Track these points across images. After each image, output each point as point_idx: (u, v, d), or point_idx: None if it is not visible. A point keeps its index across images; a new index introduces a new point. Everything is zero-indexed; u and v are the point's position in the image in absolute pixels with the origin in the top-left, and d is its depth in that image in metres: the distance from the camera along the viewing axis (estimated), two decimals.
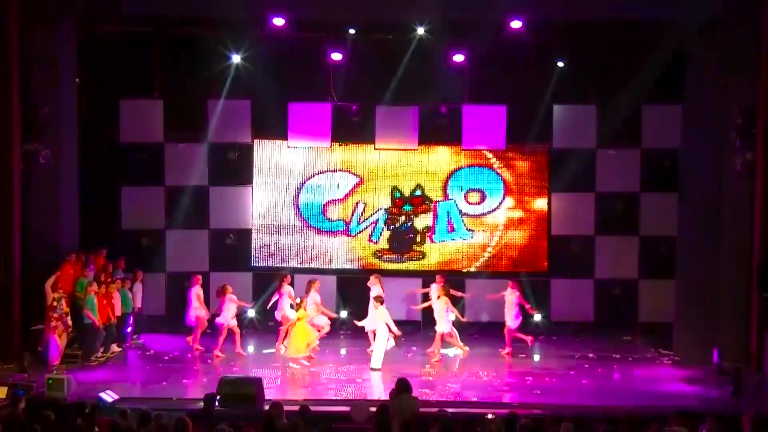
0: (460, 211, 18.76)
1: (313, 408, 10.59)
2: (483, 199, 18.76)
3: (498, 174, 18.64)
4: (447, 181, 18.78)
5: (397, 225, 18.76)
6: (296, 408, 10.48)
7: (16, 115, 15.30)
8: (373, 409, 10.29)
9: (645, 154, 18.47)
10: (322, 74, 17.99)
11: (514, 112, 18.05)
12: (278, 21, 16.54)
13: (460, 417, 10.65)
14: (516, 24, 16.45)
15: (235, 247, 18.97)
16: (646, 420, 10.13)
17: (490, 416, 10.68)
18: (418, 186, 18.74)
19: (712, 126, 15.78)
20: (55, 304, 14.58)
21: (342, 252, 18.89)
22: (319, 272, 18.45)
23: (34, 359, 14.52)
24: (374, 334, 15.47)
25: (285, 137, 18.52)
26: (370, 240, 18.73)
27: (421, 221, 18.81)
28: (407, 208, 18.63)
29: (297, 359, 15.24)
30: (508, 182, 18.63)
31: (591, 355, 16.48)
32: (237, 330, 16.19)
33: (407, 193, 18.74)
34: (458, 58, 17.55)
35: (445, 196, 18.76)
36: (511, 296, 16.40)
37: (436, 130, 18.60)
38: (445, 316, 15.80)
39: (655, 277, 18.23)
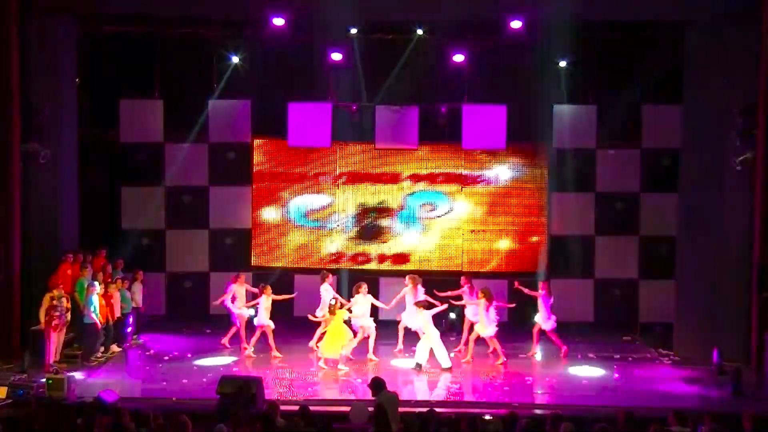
0: (417, 217, 19.05)
1: (313, 408, 10.61)
2: (434, 208, 19.02)
3: (444, 194, 18.98)
4: (404, 198, 19.05)
5: (365, 223, 19.09)
6: (296, 408, 10.51)
7: (16, 115, 15.30)
8: (371, 409, 10.31)
9: (645, 154, 18.48)
10: (322, 74, 17.99)
11: (514, 112, 18.05)
12: (278, 21, 16.55)
13: (460, 417, 10.62)
14: (516, 24, 16.46)
15: (235, 247, 18.99)
16: (645, 420, 10.12)
17: (488, 417, 10.67)
18: (381, 201, 19.06)
19: (712, 126, 15.77)
20: (56, 303, 14.57)
21: (322, 242, 19.11)
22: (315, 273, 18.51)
23: (34, 359, 14.51)
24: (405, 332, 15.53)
25: (285, 137, 18.54)
26: (343, 231, 19.10)
27: (385, 222, 19.06)
28: (372, 213, 19.10)
29: (328, 360, 15.11)
30: (451, 198, 18.98)
31: (591, 355, 16.47)
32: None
33: (372, 204, 19.08)
34: (458, 58, 17.56)
35: (402, 208, 19.07)
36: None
37: (436, 130, 18.62)
38: (485, 319, 15.54)
39: (655, 277, 18.24)
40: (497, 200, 19.00)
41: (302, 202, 19.01)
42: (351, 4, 16.06)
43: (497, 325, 15.51)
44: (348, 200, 19.02)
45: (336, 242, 19.09)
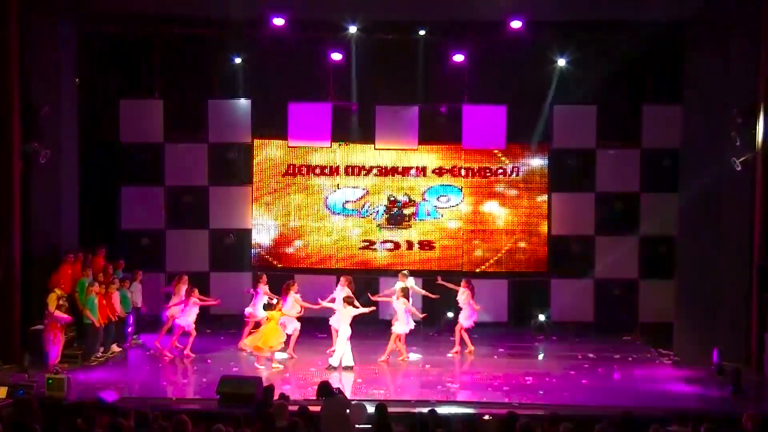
0: (435, 207, 19.02)
1: (312, 408, 10.62)
2: (448, 200, 19.01)
3: (456, 187, 18.98)
4: (425, 192, 19.02)
5: (392, 212, 19.06)
6: (296, 408, 10.51)
7: (16, 115, 15.29)
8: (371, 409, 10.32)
9: (645, 154, 18.48)
10: (322, 74, 18.00)
11: (514, 112, 18.05)
12: (278, 21, 16.56)
13: (460, 417, 10.63)
14: (516, 24, 16.47)
15: (235, 247, 19.00)
16: (645, 420, 10.13)
17: (487, 417, 10.68)
18: (406, 194, 19.02)
19: (712, 126, 15.77)
20: (61, 302, 14.57)
21: (356, 229, 19.14)
22: (318, 273, 18.52)
23: (34, 359, 14.51)
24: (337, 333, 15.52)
25: (285, 137, 18.55)
26: (374, 219, 19.12)
27: (408, 210, 19.03)
28: (399, 203, 19.10)
29: (258, 355, 15.15)
30: (464, 191, 19.00)
31: (591, 355, 16.47)
32: (194, 332, 15.92)
33: (399, 197, 19.07)
34: (458, 58, 17.57)
35: (423, 199, 19.06)
36: (462, 295, 16.33)
37: (436, 130, 18.63)
38: (404, 317, 15.65)
39: (655, 277, 18.25)
40: (497, 200, 18.99)
41: (340, 194, 19.09)
42: (351, 4, 16.07)
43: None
44: (379, 191, 19.09)
45: (368, 230, 19.16)
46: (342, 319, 15.28)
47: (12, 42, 15.14)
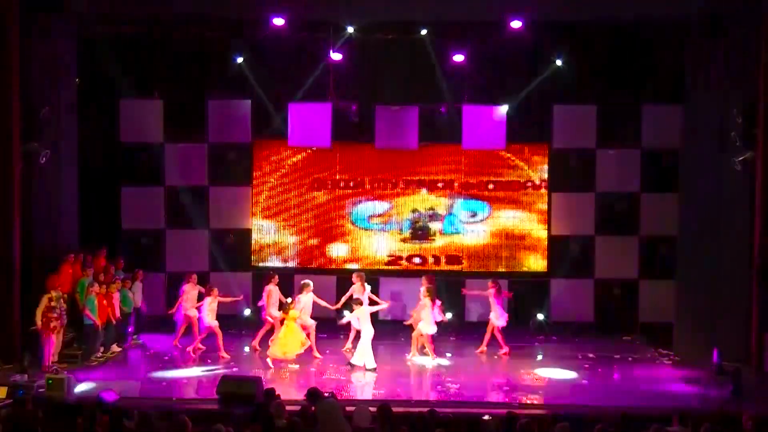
0: (460, 220, 19.17)
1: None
2: (474, 215, 19.17)
3: (484, 201, 19.16)
4: (451, 206, 19.26)
5: (417, 225, 19.30)
6: (296, 408, 10.51)
7: (16, 115, 15.29)
8: (373, 409, 10.31)
9: (645, 154, 18.48)
10: (322, 74, 17.98)
11: (514, 112, 18.05)
12: (278, 21, 16.55)
13: (460, 417, 10.63)
14: (516, 24, 16.47)
15: (235, 247, 19.00)
16: (645, 420, 10.13)
17: (486, 417, 10.67)
18: (431, 208, 19.25)
19: (712, 126, 15.77)
20: (53, 304, 14.56)
21: (382, 243, 19.34)
22: (318, 273, 18.51)
23: (34, 359, 14.50)
24: (357, 333, 15.56)
25: (285, 137, 18.54)
26: (400, 232, 19.32)
27: (434, 225, 19.24)
28: (425, 218, 19.37)
29: (278, 360, 15.09)
30: (492, 204, 19.16)
31: (591, 355, 16.48)
32: (219, 331, 15.90)
33: (423, 210, 19.27)
34: (458, 58, 17.55)
35: (448, 212, 19.24)
36: (490, 295, 16.30)
37: (436, 130, 18.62)
38: (429, 318, 15.63)
39: (655, 277, 18.26)
40: (497, 200, 18.99)
41: (365, 207, 19.29)
42: (351, 4, 16.06)
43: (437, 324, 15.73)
44: (404, 205, 19.27)
45: (393, 243, 19.29)
46: (361, 318, 15.27)
47: (12, 42, 15.14)
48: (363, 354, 14.97)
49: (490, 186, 19.08)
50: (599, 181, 18.66)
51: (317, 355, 15.73)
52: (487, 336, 16.35)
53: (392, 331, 16.84)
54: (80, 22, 16.87)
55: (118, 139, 18.73)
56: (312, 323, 15.85)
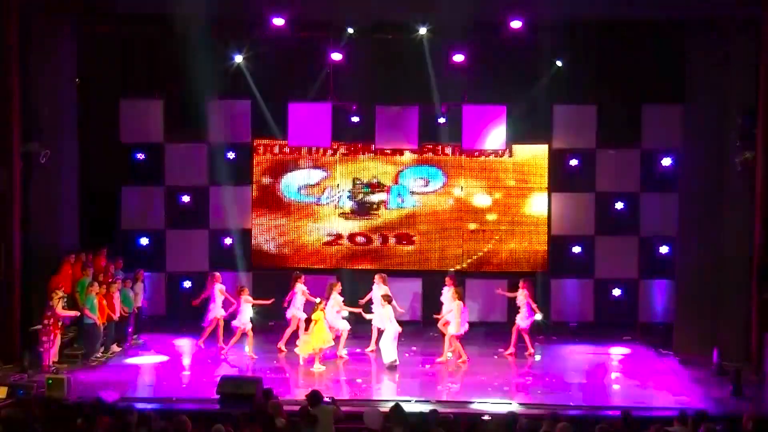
0: (410, 191, 19.08)
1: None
2: (427, 183, 19.06)
3: (437, 167, 19.02)
4: (398, 174, 19.08)
5: (358, 199, 19.13)
6: (296, 408, 10.51)
7: (16, 115, 15.29)
8: (384, 409, 10.31)
9: (645, 154, 18.47)
10: (322, 74, 17.97)
11: (514, 112, 18.03)
12: (278, 21, 16.53)
13: (460, 417, 10.62)
14: (516, 24, 16.45)
15: (235, 247, 18.99)
16: (645, 420, 10.13)
17: (487, 417, 10.67)
18: (374, 176, 19.10)
19: (712, 126, 15.77)
20: (63, 303, 14.57)
21: (318, 217, 19.11)
22: (317, 272, 18.51)
23: (34, 359, 14.51)
24: (380, 332, 15.57)
25: (285, 137, 18.53)
26: (336, 207, 19.10)
27: (377, 197, 19.08)
28: (365, 189, 19.12)
29: (307, 359, 15.13)
30: (446, 172, 19.00)
31: (591, 355, 16.47)
32: (250, 332, 15.86)
33: (365, 180, 19.10)
34: (458, 58, 17.52)
35: (396, 182, 19.12)
36: (520, 295, 16.27)
37: (436, 130, 18.62)
38: (458, 319, 15.57)
39: (655, 277, 18.26)
40: (497, 200, 19.00)
41: (295, 177, 18.97)
42: (351, 3, 16.05)
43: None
44: (342, 174, 18.97)
45: (333, 221, 19.04)
46: (385, 316, 15.29)
47: (12, 42, 15.14)
48: (389, 351, 15.02)
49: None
50: (599, 181, 18.65)
51: (342, 354, 15.79)
52: (513, 337, 16.30)
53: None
54: (80, 22, 16.87)
55: (118, 139, 18.72)
56: (344, 327, 15.85)
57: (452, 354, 15.65)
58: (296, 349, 15.32)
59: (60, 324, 14.77)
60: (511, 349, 16.31)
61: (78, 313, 14.91)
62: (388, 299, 15.51)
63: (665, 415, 10.83)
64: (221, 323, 16.28)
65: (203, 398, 13.03)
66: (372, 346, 16.19)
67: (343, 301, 15.90)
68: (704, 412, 10.51)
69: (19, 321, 15.29)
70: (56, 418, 9.86)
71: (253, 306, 15.91)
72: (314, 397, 10.43)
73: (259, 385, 12.40)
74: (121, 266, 17.17)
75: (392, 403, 10.44)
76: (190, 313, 18.37)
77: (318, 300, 15.53)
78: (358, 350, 16.27)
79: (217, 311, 16.23)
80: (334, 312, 15.68)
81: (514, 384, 14.32)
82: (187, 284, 18.80)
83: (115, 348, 16.00)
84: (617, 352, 16.92)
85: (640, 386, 14.36)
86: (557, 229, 18.84)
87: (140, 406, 11.33)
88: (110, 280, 16.02)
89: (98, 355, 15.44)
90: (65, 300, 14.69)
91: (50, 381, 12.66)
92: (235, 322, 15.77)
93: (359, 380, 14.51)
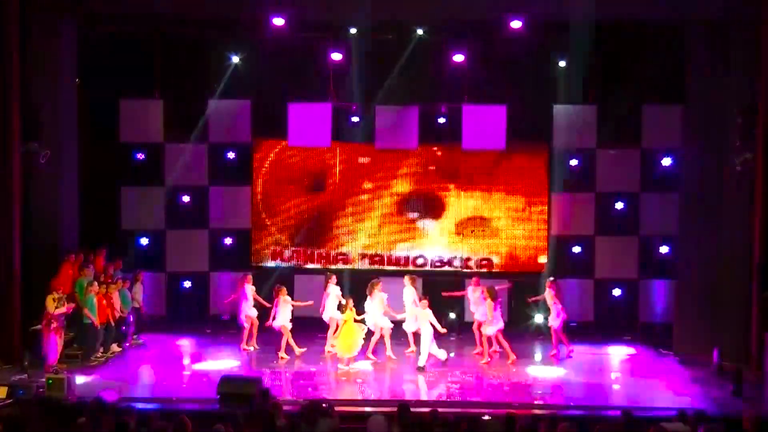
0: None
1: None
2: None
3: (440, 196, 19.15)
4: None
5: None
6: (296, 408, 10.51)
7: (16, 115, 15.30)
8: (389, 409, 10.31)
9: (645, 154, 18.47)
10: (322, 74, 17.99)
11: (514, 112, 18.05)
12: (278, 21, 16.54)
13: (460, 417, 10.62)
14: (516, 24, 16.46)
15: (235, 247, 19.00)
16: (645, 420, 10.13)
17: (487, 417, 10.67)
18: None
19: (712, 126, 15.78)
20: (58, 305, 14.56)
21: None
22: (320, 272, 18.52)
23: (34, 359, 14.51)
24: (414, 336, 15.61)
25: (285, 137, 18.55)
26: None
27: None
28: None
29: (344, 359, 15.12)
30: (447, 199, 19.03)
31: (591, 355, 16.47)
32: (286, 332, 15.71)
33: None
34: (458, 58, 17.55)
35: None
36: (548, 296, 16.27)
37: (436, 130, 18.62)
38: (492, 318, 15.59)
39: (655, 277, 18.25)
40: (497, 200, 18.99)
41: None
42: (351, 4, 16.06)
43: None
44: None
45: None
46: (420, 318, 15.21)
47: (12, 42, 15.15)
48: (426, 353, 14.99)
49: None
50: (599, 181, 18.65)
51: (391, 355, 15.78)
52: (554, 338, 16.29)
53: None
54: (80, 22, 16.88)
55: (118, 139, 18.72)
56: (388, 325, 15.79)
57: (487, 355, 15.72)
58: (332, 349, 15.35)
59: (63, 324, 14.75)
60: (554, 350, 16.24)
61: (74, 305, 14.86)
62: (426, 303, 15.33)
63: (665, 415, 10.81)
64: (256, 323, 16.26)
65: (203, 398, 13.03)
66: (411, 347, 16.17)
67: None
68: (704, 412, 10.52)
69: (19, 321, 15.28)
70: (56, 418, 9.86)
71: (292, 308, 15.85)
72: (311, 406, 10.40)
73: (259, 386, 12.40)
74: (121, 267, 17.15)
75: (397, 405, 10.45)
76: (191, 314, 18.49)
77: (344, 301, 15.52)
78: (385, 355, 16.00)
79: (249, 310, 16.23)
80: (380, 311, 15.59)
81: (514, 384, 14.29)
82: (187, 284, 18.84)
83: (115, 348, 16.01)
84: (617, 352, 16.92)
85: (640, 386, 14.36)
86: (557, 229, 18.83)
87: (140, 406, 11.38)
88: (109, 281, 16.02)
89: (98, 355, 15.45)
90: (61, 301, 14.63)
91: (50, 381, 12.66)
92: (274, 323, 15.69)
93: (359, 380, 14.50)
